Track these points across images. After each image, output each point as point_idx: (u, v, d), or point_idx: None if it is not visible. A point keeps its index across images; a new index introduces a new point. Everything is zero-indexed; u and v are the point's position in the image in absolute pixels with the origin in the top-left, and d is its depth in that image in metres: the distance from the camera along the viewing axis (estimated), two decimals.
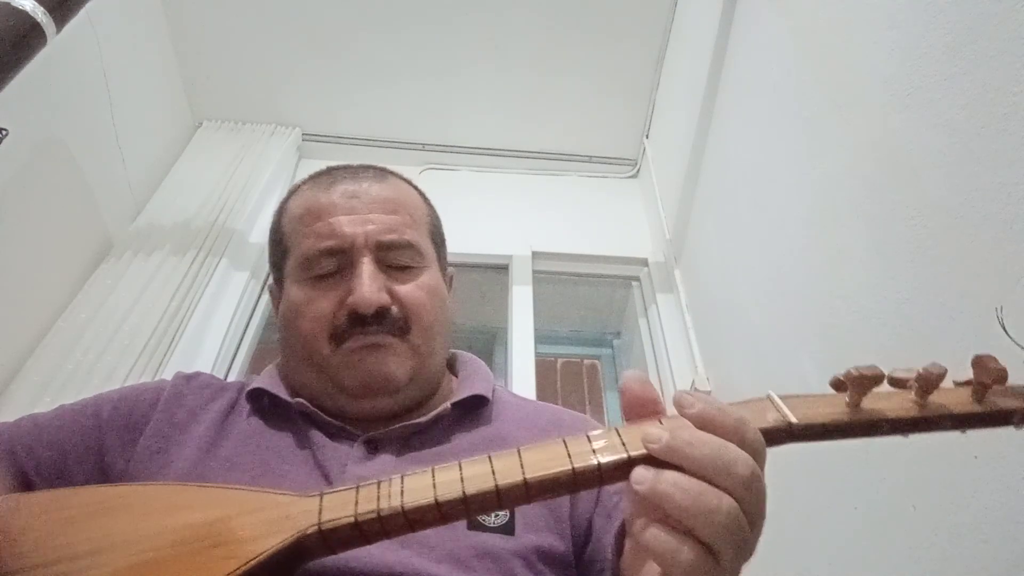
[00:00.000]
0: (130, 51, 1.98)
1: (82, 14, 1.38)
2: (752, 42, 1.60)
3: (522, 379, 1.80)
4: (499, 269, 2.14)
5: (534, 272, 2.12)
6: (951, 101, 0.90)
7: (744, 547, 0.38)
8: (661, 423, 0.42)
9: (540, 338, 1.96)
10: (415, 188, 0.79)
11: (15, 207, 1.53)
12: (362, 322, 0.66)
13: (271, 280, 0.78)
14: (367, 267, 0.67)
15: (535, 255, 2.15)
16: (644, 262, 2.20)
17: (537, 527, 0.61)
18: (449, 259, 0.81)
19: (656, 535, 0.37)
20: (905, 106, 0.99)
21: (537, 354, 1.89)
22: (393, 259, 0.69)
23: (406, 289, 0.69)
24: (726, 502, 0.36)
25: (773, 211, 1.43)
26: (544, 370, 2.28)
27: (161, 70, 2.19)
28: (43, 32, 1.25)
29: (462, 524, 0.59)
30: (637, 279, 2.22)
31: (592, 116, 2.40)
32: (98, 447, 0.65)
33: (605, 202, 2.39)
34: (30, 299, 1.59)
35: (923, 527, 0.88)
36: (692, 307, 1.89)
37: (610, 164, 2.50)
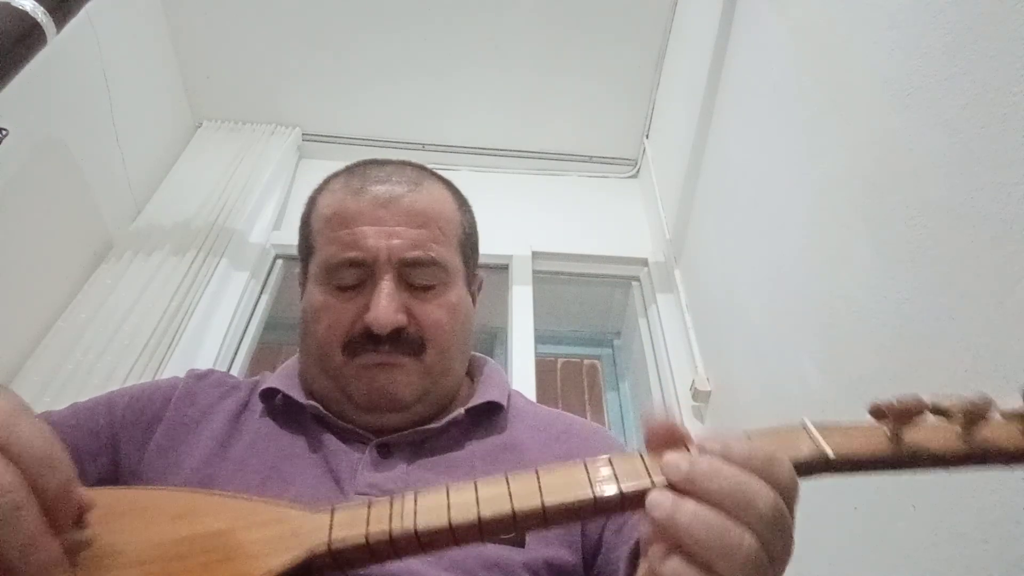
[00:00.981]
0: (130, 51, 1.98)
1: (82, 14, 1.38)
2: (752, 42, 1.60)
3: (522, 379, 1.79)
4: (499, 269, 2.14)
5: (534, 272, 2.11)
6: (951, 101, 0.90)
7: None
8: (688, 450, 0.39)
9: (540, 338, 1.95)
10: (452, 192, 0.76)
11: (15, 207, 1.53)
12: (376, 340, 0.65)
13: (299, 268, 0.77)
14: (387, 285, 0.65)
15: (535, 255, 2.15)
16: (644, 262, 2.20)
17: (548, 539, 0.61)
18: None
19: (675, 568, 0.35)
20: (905, 106, 0.99)
21: (537, 354, 1.89)
22: (416, 277, 0.67)
23: (425, 309, 0.68)
24: (747, 540, 0.35)
25: (773, 211, 1.43)
26: (544, 370, 2.28)
27: (161, 70, 2.19)
28: (43, 32, 1.25)
29: None
30: (637, 279, 2.21)
31: (592, 116, 2.40)
32: (112, 445, 0.65)
33: (605, 202, 2.39)
34: (30, 299, 1.59)
35: (923, 527, 0.88)
36: (692, 307, 1.89)
37: (610, 164, 2.50)
